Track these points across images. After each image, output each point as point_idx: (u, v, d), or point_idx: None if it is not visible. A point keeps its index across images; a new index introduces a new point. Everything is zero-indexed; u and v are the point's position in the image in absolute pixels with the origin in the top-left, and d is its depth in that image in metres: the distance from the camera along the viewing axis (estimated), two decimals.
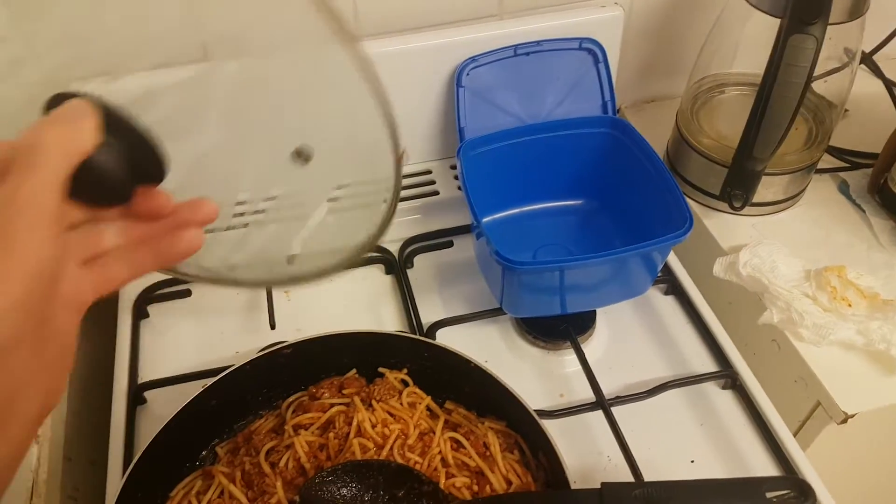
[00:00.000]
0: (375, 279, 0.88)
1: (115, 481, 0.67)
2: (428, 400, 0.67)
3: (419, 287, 0.85)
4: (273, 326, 0.79)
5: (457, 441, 0.64)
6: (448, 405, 0.68)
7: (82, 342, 0.86)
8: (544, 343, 0.79)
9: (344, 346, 0.68)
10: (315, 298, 0.85)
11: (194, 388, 0.63)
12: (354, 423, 0.63)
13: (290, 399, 0.68)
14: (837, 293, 0.79)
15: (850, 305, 0.78)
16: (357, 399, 0.65)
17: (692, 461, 0.70)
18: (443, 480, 0.61)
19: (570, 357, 0.78)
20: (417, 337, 0.72)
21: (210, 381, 0.63)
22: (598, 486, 0.53)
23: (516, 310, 0.77)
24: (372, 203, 0.51)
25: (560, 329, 0.78)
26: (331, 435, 0.63)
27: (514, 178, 0.84)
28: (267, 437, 0.63)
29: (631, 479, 0.65)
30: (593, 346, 0.79)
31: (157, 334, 0.82)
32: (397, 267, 0.87)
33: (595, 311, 0.80)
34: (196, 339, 0.81)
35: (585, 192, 0.88)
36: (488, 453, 0.63)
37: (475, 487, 0.61)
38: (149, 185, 0.38)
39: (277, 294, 0.84)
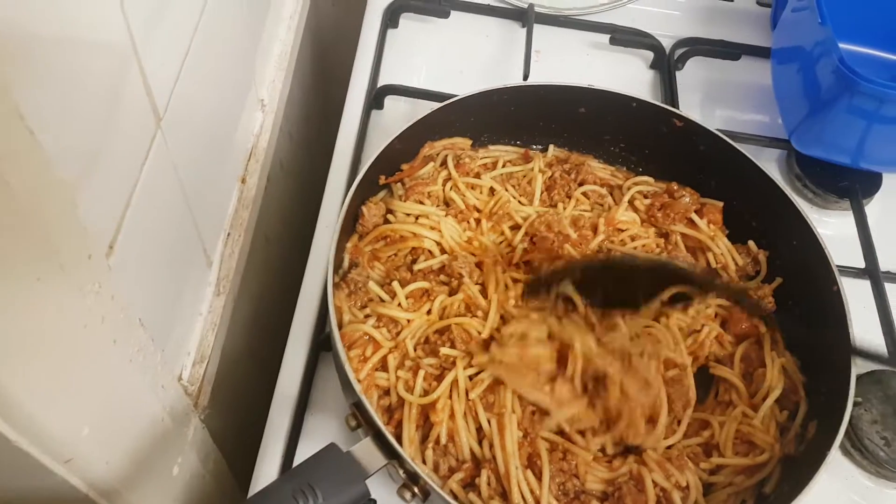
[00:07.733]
0: (636, 69, 0.78)
1: (342, 159, 0.67)
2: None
3: (683, 93, 0.75)
4: (526, 77, 0.72)
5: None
6: None
7: (319, 44, 0.83)
8: (814, 193, 0.69)
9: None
10: (565, 67, 0.77)
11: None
12: None
13: None
14: None
15: None
16: None
17: None
18: None
19: (833, 219, 0.69)
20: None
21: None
22: None
23: (810, 146, 0.66)
24: None
25: (841, 185, 0.68)
26: None
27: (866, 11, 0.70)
28: None
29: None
30: (869, 214, 0.68)
31: (404, 47, 0.76)
32: (665, 63, 0.77)
33: (882, 177, 0.69)
34: (444, 64, 0.75)
35: None
36: None
37: None
38: None
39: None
